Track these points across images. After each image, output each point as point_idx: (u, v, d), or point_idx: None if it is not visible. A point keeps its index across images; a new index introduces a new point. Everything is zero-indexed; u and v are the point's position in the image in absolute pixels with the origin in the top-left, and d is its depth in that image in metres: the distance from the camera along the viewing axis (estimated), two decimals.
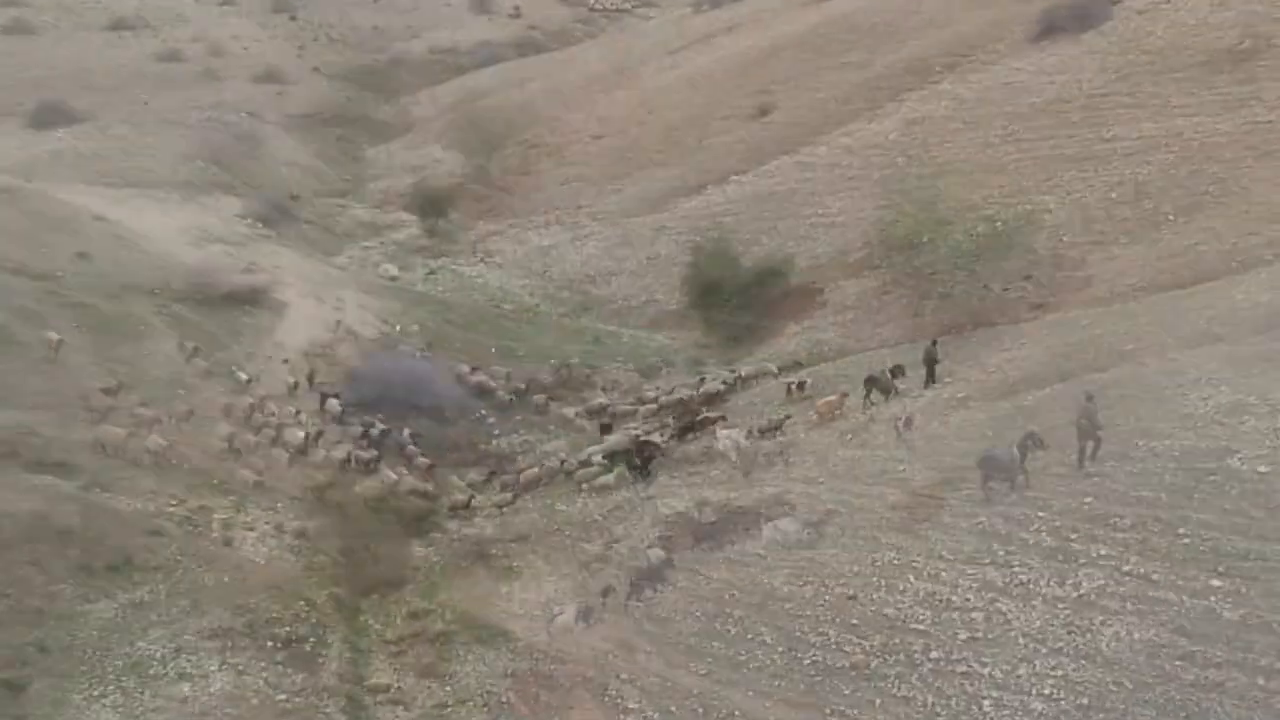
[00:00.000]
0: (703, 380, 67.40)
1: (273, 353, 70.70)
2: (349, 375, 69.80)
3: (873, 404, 55.72)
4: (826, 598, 41.62)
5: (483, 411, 68.90)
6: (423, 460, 62.29)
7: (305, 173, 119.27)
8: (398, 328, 78.01)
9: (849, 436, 52.31)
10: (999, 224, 67.67)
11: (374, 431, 63.63)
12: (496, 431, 67.32)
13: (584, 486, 55.66)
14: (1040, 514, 41.23)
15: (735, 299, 76.82)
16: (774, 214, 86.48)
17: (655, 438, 59.10)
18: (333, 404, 65.95)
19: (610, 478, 55.47)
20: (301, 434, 60.64)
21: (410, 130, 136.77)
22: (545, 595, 48.14)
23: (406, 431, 64.31)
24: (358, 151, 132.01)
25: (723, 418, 59.39)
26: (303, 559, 51.29)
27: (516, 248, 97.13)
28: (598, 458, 58.44)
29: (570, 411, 68.27)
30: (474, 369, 71.51)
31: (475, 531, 54.61)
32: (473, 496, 58.73)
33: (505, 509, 56.31)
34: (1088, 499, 40.88)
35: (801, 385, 60.24)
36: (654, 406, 65.07)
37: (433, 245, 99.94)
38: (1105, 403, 45.11)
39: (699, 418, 60.42)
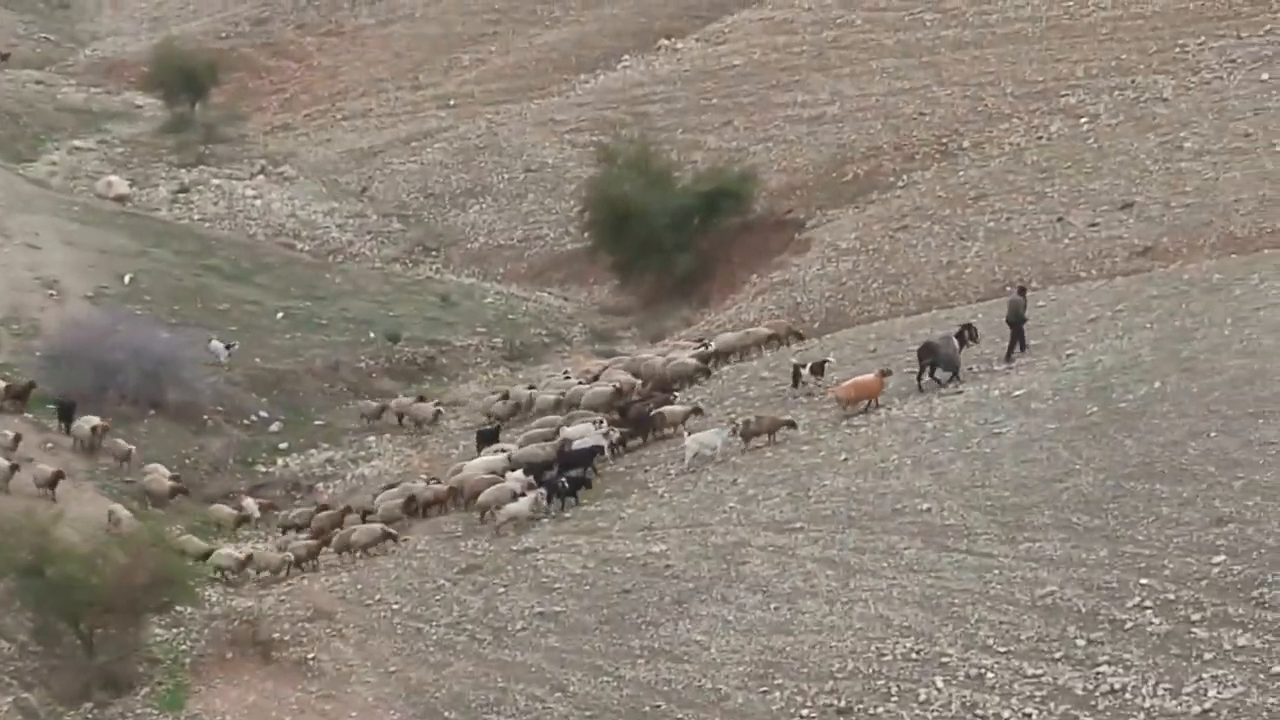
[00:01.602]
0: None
1: None
2: (48, 354, 69.17)
3: (938, 384, 55.53)
4: (805, 710, 41.54)
5: (263, 413, 68.82)
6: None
7: None
8: (127, 279, 77.47)
9: (843, 457, 52.36)
10: (1084, 121, 67.83)
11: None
12: (284, 444, 67.18)
13: (492, 519, 55.92)
14: (1144, 580, 41.19)
15: (665, 236, 76.85)
16: (728, 102, 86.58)
17: (593, 441, 59.09)
18: (83, 426, 64.26)
19: (524, 506, 55.62)
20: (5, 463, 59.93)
21: None
22: (360, 704, 47.92)
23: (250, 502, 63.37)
24: None
25: (696, 410, 59.53)
26: None
27: (319, 151, 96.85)
28: (515, 475, 58.38)
29: (425, 410, 68.23)
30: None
31: (250, 604, 54.34)
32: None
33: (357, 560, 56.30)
34: (1219, 558, 40.94)
35: (819, 368, 60.21)
36: (604, 391, 64.30)
37: (185, 147, 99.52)
38: (1244, 405, 45.28)
39: (654, 412, 60.50)
